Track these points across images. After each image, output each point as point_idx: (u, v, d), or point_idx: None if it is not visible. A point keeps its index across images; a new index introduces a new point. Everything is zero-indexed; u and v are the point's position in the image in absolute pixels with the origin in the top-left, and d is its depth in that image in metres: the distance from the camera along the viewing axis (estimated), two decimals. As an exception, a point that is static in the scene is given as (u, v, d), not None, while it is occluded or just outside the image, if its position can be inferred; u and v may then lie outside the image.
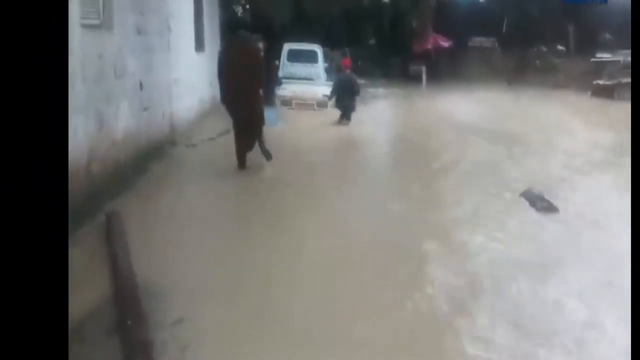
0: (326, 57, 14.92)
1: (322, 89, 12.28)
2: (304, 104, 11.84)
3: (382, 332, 2.93)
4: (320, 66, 13.63)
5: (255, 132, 6.47)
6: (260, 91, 6.44)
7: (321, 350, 2.75)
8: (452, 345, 2.81)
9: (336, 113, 10.63)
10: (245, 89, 6.23)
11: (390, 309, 3.18)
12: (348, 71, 11.31)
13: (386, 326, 2.99)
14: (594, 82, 15.43)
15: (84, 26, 4.77)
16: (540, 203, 5.12)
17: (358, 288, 3.46)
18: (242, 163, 6.39)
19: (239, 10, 21.34)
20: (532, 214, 4.97)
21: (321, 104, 11.71)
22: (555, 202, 5.12)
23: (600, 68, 16.10)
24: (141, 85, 6.44)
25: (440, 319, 3.09)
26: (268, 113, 10.24)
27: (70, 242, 3.81)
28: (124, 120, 5.79)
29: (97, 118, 5.02)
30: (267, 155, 6.54)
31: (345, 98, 10.43)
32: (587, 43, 18.22)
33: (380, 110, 12.42)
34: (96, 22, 5.29)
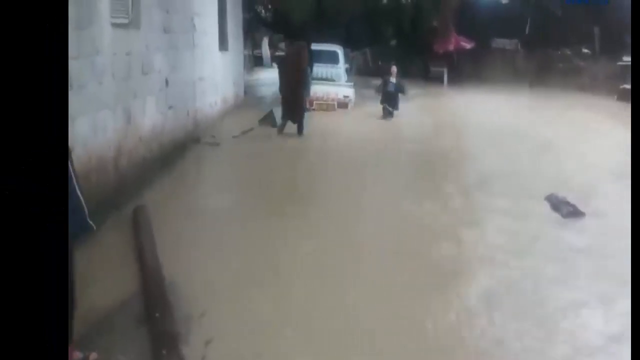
0: (347, 58, 14.88)
1: (343, 89, 12.26)
2: (325, 105, 11.84)
3: (411, 334, 2.93)
4: (341, 67, 13.57)
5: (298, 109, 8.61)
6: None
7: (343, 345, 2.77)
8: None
9: (358, 114, 11.27)
10: (293, 82, 8.52)
11: (418, 309, 3.18)
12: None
13: (416, 330, 2.97)
14: (621, 87, 15.13)
15: (113, 25, 4.88)
16: (566, 208, 5.03)
17: (380, 279, 3.48)
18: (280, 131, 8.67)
19: (262, 10, 21.46)
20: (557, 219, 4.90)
21: (342, 105, 11.74)
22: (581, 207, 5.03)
23: (627, 72, 15.76)
24: (167, 83, 6.53)
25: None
26: None
27: (96, 234, 3.89)
28: (151, 117, 5.89)
29: (125, 114, 5.12)
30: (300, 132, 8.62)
31: (392, 98, 11.25)
32: (614, 46, 17.84)
33: (403, 109, 12.32)
34: (125, 20, 5.39)
